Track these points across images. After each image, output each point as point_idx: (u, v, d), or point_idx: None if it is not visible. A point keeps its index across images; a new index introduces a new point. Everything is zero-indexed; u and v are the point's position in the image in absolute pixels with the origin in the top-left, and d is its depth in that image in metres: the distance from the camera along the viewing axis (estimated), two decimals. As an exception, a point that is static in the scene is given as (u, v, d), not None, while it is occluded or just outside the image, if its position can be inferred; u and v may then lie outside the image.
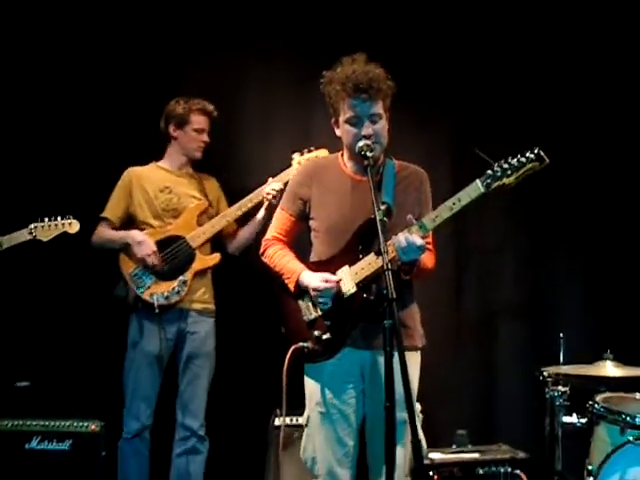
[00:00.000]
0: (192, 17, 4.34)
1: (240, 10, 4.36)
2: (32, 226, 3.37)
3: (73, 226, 3.42)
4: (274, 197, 3.71)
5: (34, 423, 3.81)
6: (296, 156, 3.79)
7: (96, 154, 4.19)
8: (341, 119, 2.87)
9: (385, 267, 2.52)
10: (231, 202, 3.91)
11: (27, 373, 4.07)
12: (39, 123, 4.22)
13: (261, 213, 3.84)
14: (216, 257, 3.84)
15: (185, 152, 3.87)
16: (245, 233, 3.91)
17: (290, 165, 3.80)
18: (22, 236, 3.36)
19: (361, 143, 2.79)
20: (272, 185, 3.75)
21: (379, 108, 2.83)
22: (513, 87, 4.30)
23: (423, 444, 2.87)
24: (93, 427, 3.81)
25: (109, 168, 3.92)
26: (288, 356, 2.85)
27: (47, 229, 3.36)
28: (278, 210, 3.08)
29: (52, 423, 3.81)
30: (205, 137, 3.88)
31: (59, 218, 3.39)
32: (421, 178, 2.99)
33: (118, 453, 3.78)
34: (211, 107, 3.88)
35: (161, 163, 3.90)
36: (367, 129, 2.81)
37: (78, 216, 3.60)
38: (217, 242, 3.93)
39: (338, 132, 2.93)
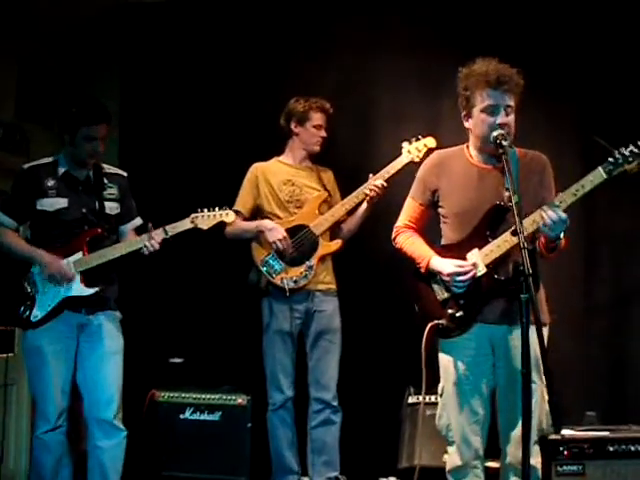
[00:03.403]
0: (325, 14, 4.59)
1: (369, 6, 4.55)
2: (193, 216, 3.53)
3: (230, 216, 3.60)
4: (377, 194, 3.91)
5: (187, 396, 4.19)
6: (405, 145, 3.97)
7: (224, 154, 4.58)
8: (476, 109, 3.00)
9: (522, 246, 2.68)
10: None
11: (181, 351, 4.45)
12: (201, 132, 4.74)
13: (364, 206, 4.01)
14: (338, 243, 4.06)
15: (305, 147, 4.11)
16: (350, 224, 4.09)
17: (400, 154, 3.97)
18: (185, 224, 3.52)
19: (496, 133, 2.92)
20: (378, 181, 3.92)
21: (513, 101, 2.98)
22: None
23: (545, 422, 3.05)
24: (240, 401, 4.16)
25: (237, 166, 4.22)
26: (426, 333, 3.03)
27: (207, 218, 3.53)
28: (408, 199, 3.24)
29: (204, 396, 4.17)
30: (323, 132, 4.10)
31: (217, 208, 3.55)
32: (543, 162, 3.10)
33: (267, 424, 4.03)
34: (328, 105, 4.10)
35: (282, 158, 4.16)
36: (503, 118, 2.95)
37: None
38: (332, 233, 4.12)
39: (468, 124, 3.06)
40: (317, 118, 4.08)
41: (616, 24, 4.29)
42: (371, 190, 3.93)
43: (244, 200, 4.08)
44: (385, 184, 3.93)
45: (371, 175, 3.98)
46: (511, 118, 2.99)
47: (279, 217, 4.04)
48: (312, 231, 4.00)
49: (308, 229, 4.00)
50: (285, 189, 4.06)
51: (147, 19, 4.79)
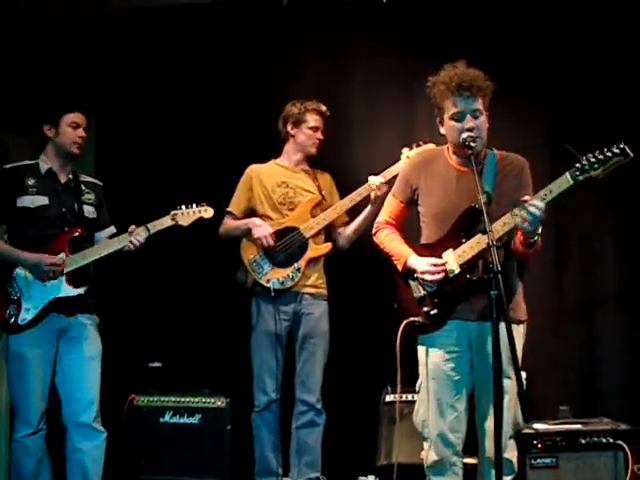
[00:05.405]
0: (302, 20, 4.69)
1: (346, 10, 4.63)
2: (173, 213, 3.60)
3: (208, 212, 3.67)
4: (378, 188, 3.92)
5: (167, 399, 4.20)
6: (405, 150, 3.99)
7: (223, 154, 4.65)
8: (446, 116, 3.12)
9: (490, 244, 2.79)
10: (342, 196, 4.14)
11: (160, 355, 4.45)
12: (180, 136, 4.78)
13: (368, 208, 4.04)
14: (328, 246, 4.10)
15: (301, 148, 4.16)
16: (353, 227, 4.13)
17: (399, 159, 3.99)
18: (166, 222, 3.59)
19: (465, 135, 3.03)
20: (376, 178, 3.95)
21: (479, 105, 3.08)
22: (609, 81, 4.35)
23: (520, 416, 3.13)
24: (219, 403, 4.18)
25: (236, 167, 4.27)
26: (401, 329, 3.12)
27: (186, 215, 3.61)
28: (389, 196, 3.35)
29: (183, 399, 4.19)
30: (319, 135, 4.16)
31: (194, 205, 3.64)
32: (521, 165, 3.19)
33: (252, 425, 4.05)
34: (324, 108, 4.17)
35: (279, 160, 4.22)
36: (470, 122, 3.05)
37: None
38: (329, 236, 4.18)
39: (443, 130, 3.17)
40: (313, 120, 4.14)
41: (587, 29, 4.42)
42: (378, 188, 3.91)
43: (238, 202, 4.14)
44: (384, 180, 3.93)
45: (371, 177, 3.99)
46: (479, 121, 3.08)
47: (271, 219, 4.07)
48: (302, 233, 4.04)
49: (298, 231, 4.04)
50: (279, 191, 4.10)
51: (124, 26, 4.82)
